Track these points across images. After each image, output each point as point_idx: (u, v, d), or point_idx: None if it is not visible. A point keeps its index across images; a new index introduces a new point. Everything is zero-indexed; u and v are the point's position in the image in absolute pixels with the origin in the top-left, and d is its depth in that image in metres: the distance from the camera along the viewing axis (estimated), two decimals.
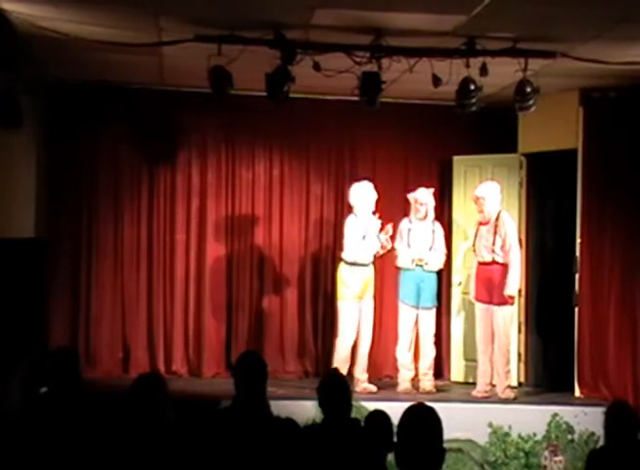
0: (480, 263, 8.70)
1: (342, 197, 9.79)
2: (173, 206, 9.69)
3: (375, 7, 6.40)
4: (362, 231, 8.71)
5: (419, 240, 8.82)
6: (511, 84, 7.48)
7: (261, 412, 4.59)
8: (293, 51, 6.99)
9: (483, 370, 8.66)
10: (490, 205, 8.59)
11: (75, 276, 9.46)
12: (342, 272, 8.78)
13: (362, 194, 8.79)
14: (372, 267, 8.80)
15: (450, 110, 7.76)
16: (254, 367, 4.72)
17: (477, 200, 8.65)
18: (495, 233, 8.55)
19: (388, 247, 8.73)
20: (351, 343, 8.73)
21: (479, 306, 8.69)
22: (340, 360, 8.60)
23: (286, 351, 9.76)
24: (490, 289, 8.56)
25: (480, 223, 8.70)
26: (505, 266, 8.51)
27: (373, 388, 8.68)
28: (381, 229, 8.66)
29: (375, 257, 8.80)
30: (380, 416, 5.45)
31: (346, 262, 8.73)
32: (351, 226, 8.78)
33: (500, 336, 8.54)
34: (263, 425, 4.50)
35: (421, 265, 8.80)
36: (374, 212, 8.82)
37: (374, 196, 8.79)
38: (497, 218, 8.60)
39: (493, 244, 8.54)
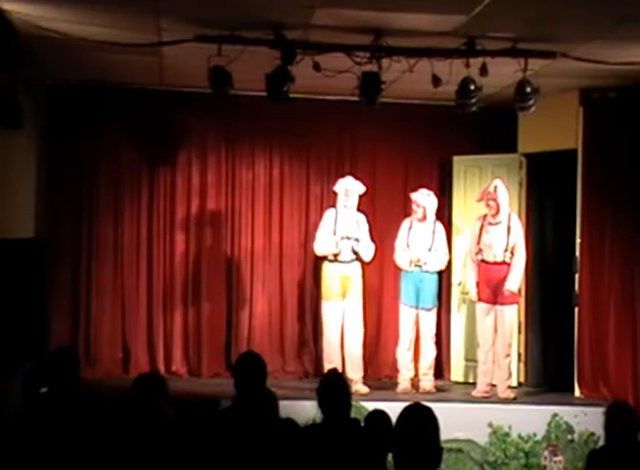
0: (486, 262, 8.66)
1: None
2: (173, 206, 9.70)
3: (375, 7, 6.40)
4: (334, 225, 8.71)
5: (418, 241, 8.82)
6: (511, 84, 7.49)
7: (261, 412, 4.59)
8: (292, 51, 6.99)
9: (484, 370, 8.66)
10: (504, 206, 8.59)
11: (75, 276, 9.47)
12: (322, 271, 8.82)
13: (338, 190, 8.82)
14: (355, 266, 8.77)
15: (450, 110, 7.76)
16: (254, 367, 4.72)
17: (493, 201, 8.57)
18: (509, 234, 8.57)
19: (360, 252, 8.75)
20: (337, 343, 8.71)
21: (481, 307, 8.66)
22: (329, 361, 8.58)
23: (286, 351, 9.76)
24: (496, 289, 8.55)
25: (490, 223, 8.66)
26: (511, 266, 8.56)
27: (364, 389, 8.60)
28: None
29: (356, 255, 8.78)
30: (380, 416, 5.45)
31: (328, 260, 8.74)
32: (325, 219, 8.84)
33: (505, 335, 8.54)
34: (263, 425, 4.50)
35: (419, 266, 8.79)
36: (359, 209, 8.84)
37: (354, 192, 8.79)
38: (509, 219, 8.62)
39: (507, 244, 8.56)
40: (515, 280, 8.53)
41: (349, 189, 8.81)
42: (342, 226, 8.73)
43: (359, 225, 8.82)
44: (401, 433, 3.31)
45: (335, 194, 9.00)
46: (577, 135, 8.89)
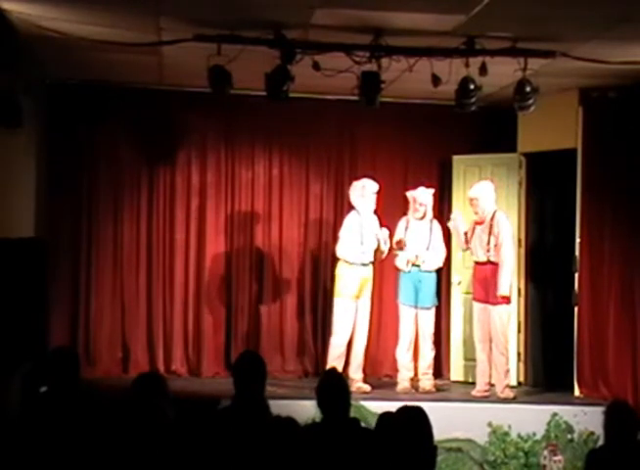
0: (477, 263, 8.72)
1: (341, 196, 9.80)
2: (173, 205, 9.70)
3: (375, 7, 6.40)
4: (360, 229, 8.71)
5: (415, 240, 8.81)
6: (510, 84, 7.49)
7: (261, 412, 4.59)
8: (292, 51, 6.99)
9: (482, 369, 8.67)
10: (484, 205, 8.61)
11: (75, 276, 9.47)
12: (341, 270, 8.79)
13: (364, 193, 8.81)
14: (370, 267, 8.81)
15: (450, 109, 7.76)
16: (254, 367, 4.73)
17: (470, 201, 8.68)
18: (490, 233, 8.57)
19: (384, 249, 8.73)
20: (345, 341, 8.72)
21: (476, 306, 8.70)
22: (334, 358, 8.61)
23: (285, 350, 9.76)
24: (486, 288, 8.56)
25: (476, 223, 8.71)
26: (499, 266, 8.53)
27: (367, 387, 8.65)
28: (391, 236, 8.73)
29: (375, 257, 8.81)
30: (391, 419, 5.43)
31: (345, 261, 8.73)
32: (349, 223, 8.79)
33: (497, 335, 8.54)
34: (263, 425, 4.50)
35: (417, 265, 8.80)
36: (375, 212, 8.85)
37: (373, 193, 8.79)
38: (492, 218, 8.61)
39: (488, 243, 8.56)
40: (504, 283, 8.47)
41: (375, 192, 8.82)
42: (370, 233, 8.71)
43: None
44: (395, 435, 3.32)
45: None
46: (577, 135, 8.90)
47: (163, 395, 4.61)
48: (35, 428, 4.83)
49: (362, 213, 8.80)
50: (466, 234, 8.77)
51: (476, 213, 8.66)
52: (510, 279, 8.63)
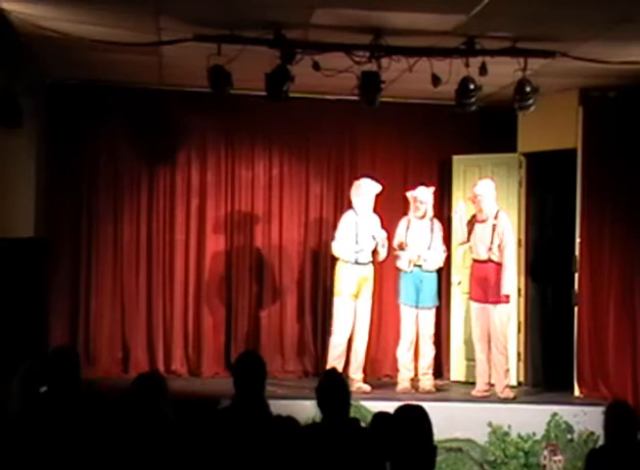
0: (476, 261, 8.71)
1: (341, 196, 9.80)
2: (173, 205, 9.70)
3: (375, 7, 6.40)
4: (355, 228, 8.71)
5: (416, 240, 8.81)
6: (510, 84, 7.49)
7: (261, 412, 4.60)
8: (292, 50, 6.99)
9: (482, 369, 8.67)
10: (488, 202, 8.61)
11: (75, 276, 9.47)
12: (340, 269, 8.79)
13: (359, 192, 8.81)
14: (370, 267, 8.80)
15: (450, 109, 7.76)
16: (254, 367, 4.73)
17: (474, 197, 8.67)
18: (494, 232, 8.57)
19: (380, 251, 8.72)
20: (345, 340, 8.72)
21: (474, 306, 8.70)
22: (334, 358, 8.61)
23: (285, 350, 9.76)
24: (486, 288, 8.56)
25: (477, 221, 8.70)
26: (500, 265, 8.52)
27: (367, 387, 8.65)
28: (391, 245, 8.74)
29: (374, 258, 8.81)
30: (386, 419, 5.44)
31: (342, 260, 8.73)
32: (345, 222, 8.80)
33: (497, 335, 8.54)
34: (263, 424, 4.50)
35: (419, 265, 8.79)
36: (374, 211, 8.84)
37: (373, 193, 8.79)
38: (496, 217, 8.61)
39: (491, 242, 8.56)
40: (508, 283, 8.49)
41: (374, 192, 8.80)
42: (366, 232, 8.70)
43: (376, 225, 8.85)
44: (395, 434, 3.32)
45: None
46: (577, 135, 8.90)
47: (163, 395, 4.61)
48: (35, 428, 4.82)
49: (359, 213, 8.80)
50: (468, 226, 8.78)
51: (479, 211, 8.65)
52: (514, 279, 8.64)
